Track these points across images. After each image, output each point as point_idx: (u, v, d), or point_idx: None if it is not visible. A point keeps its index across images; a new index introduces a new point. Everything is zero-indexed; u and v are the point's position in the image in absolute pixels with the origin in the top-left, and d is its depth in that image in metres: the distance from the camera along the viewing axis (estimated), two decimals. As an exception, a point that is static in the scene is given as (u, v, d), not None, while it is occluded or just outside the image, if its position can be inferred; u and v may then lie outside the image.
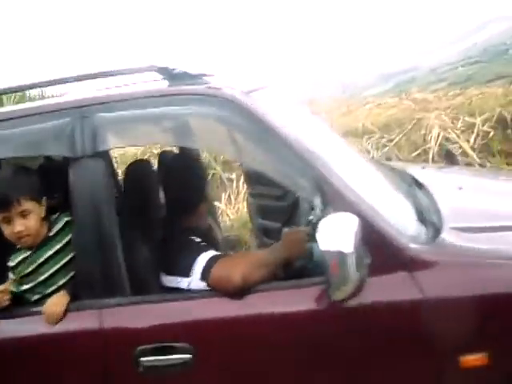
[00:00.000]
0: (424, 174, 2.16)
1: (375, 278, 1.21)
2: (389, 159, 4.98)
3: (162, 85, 1.49)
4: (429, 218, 1.43)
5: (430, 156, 4.73)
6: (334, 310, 1.22)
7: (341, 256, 1.07)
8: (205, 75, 1.52)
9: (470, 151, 4.71)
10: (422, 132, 5.09)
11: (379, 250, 1.22)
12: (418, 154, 4.88)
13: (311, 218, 1.24)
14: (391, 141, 5.17)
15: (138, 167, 1.66)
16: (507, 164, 4.46)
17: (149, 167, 1.69)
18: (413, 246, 1.25)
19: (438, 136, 4.92)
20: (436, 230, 1.36)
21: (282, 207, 1.90)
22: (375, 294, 1.22)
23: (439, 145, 4.84)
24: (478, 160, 4.60)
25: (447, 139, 4.94)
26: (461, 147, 4.80)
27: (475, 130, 4.84)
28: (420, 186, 1.77)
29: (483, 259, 1.26)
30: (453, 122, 5.16)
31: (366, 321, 1.23)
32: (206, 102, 1.33)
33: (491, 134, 4.77)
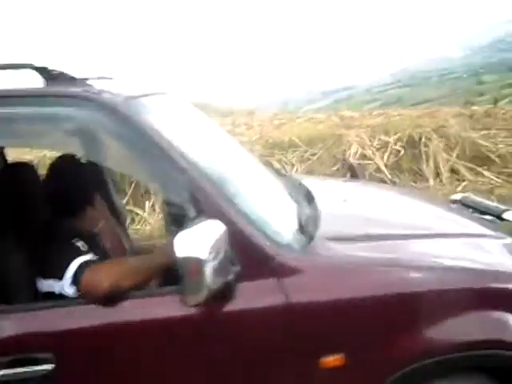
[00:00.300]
0: (319, 185, 2.31)
1: (244, 285, 1.24)
2: (311, 172, 5.23)
3: (38, 84, 1.40)
4: (306, 228, 1.50)
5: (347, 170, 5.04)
6: (203, 316, 1.24)
7: (196, 262, 1.09)
8: (88, 79, 1.49)
9: (383, 168, 5.07)
10: (343, 148, 5.40)
11: (248, 257, 1.25)
12: (337, 169, 5.17)
13: (184, 225, 1.24)
14: (314, 155, 5.43)
15: (15, 170, 1.63)
16: (413, 182, 4.87)
17: (27, 170, 1.66)
18: (281, 253, 1.28)
19: (356, 152, 5.25)
20: (310, 239, 1.43)
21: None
22: (243, 301, 1.25)
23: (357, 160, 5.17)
24: (389, 176, 4.97)
25: (364, 155, 5.29)
26: (375, 164, 5.16)
27: (388, 149, 5.23)
28: (309, 197, 1.87)
29: (345, 266, 1.36)
30: (370, 140, 5.53)
31: (234, 327, 1.26)
32: (81, 104, 1.30)
33: (401, 152, 5.18)
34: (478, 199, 2.20)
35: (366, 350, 1.28)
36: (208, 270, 1.10)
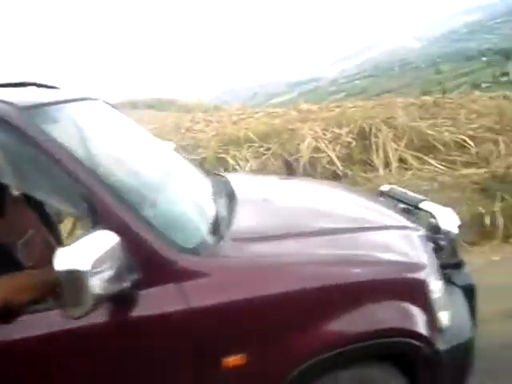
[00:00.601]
0: (249, 183, 2.36)
1: (146, 292, 1.25)
2: (265, 167, 5.31)
3: None
4: (216, 229, 1.54)
5: (301, 164, 5.13)
6: (103, 325, 1.24)
7: (77, 275, 1.08)
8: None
9: (335, 160, 5.19)
10: (296, 142, 5.49)
11: (149, 263, 1.26)
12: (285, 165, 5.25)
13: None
14: (268, 150, 5.50)
15: None
16: (364, 172, 5.01)
17: None
18: (184, 257, 1.31)
19: (310, 146, 5.35)
20: (219, 240, 1.46)
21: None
22: (143, 307, 1.26)
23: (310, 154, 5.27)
24: (341, 168, 5.09)
25: (318, 148, 5.39)
26: (328, 156, 5.27)
27: (340, 141, 5.35)
28: (231, 196, 1.90)
29: (248, 267, 1.40)
30: (324, 133, 5.64)
31: (133, 334, 1.27)
32: None
33: (353, 144, 5.31)
34: (400, 190, 2.31)
35: (267, 349, 1.32)
36: (94, 281, 1.10)
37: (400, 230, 1.82)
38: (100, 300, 1.14)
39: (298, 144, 5.46)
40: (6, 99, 1.34)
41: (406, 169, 5.07)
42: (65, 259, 1.09)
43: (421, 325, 1.47)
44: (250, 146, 5.68)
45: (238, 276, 1.37)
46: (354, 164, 5.26)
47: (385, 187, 2.45)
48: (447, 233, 1.92)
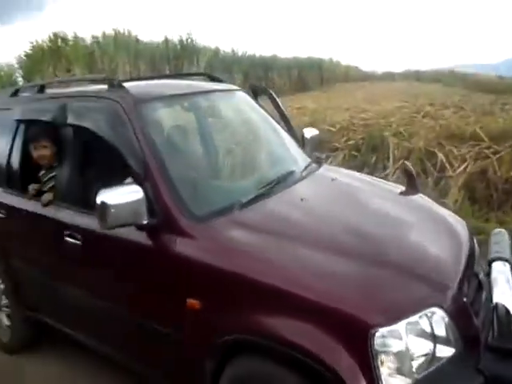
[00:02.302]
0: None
1: (155, 232, 1.74)
2: (485, 172, 4.49)
3: None
4: (226, 209, 1.78)
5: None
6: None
7: (104, 205, 1.63)
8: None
9: None
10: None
11: (162, 215, 1.72)
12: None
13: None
14: (496, 153, 4.58)
15: None
16: None
17: None
18: (184, 220, 1.70)
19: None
20: (218, 216, 1.74)
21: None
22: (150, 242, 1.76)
23: None
24: None
25: None
26: None
27: None
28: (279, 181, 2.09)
29: (222, 244, 1.67)
30: None
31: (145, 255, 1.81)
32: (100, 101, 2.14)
33: None
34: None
35: (214, 307, 1.58)
36: (111, 212, 1.64)
37: None
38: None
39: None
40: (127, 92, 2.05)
41: None
42: (105, 196, 1.65)
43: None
44: (475, 145, 4.88)
45: (213, 247, 1.66)
46: None
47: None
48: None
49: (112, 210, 1.64)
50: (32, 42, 11.84)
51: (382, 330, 1.31)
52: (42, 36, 12.59)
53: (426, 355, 1.36)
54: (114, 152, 1.94)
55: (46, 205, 2.30)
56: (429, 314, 1.39)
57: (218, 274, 1.59)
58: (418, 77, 18.57)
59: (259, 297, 1.49)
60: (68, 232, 2.10)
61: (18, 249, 2.57)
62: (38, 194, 2.41)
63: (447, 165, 4.71)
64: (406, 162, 4.71)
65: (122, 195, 1.67)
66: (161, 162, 1.83)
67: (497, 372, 1.39)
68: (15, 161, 2.56)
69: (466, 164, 4.65)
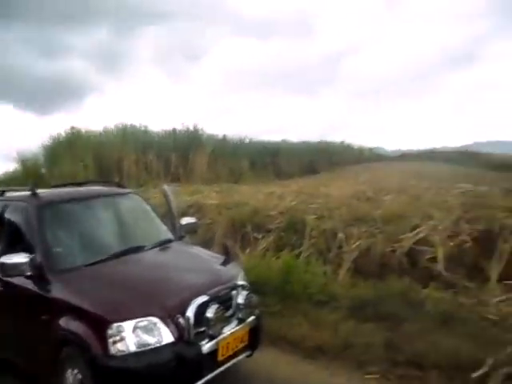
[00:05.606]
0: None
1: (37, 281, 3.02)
2: (368, 249, 4.98)
3: None
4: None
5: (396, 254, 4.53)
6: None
7: (2, 263, 2.95)
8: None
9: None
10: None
11: (37, 269, 2.98)
12: None
13: None
14: (380, 232, 5.09)
15: None
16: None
17: None
18: (52, 271, 3.01)
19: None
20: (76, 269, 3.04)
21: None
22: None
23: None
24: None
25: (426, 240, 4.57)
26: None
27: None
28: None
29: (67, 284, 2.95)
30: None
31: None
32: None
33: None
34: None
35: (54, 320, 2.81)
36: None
37: None
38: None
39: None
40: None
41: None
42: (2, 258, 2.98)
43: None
44: (371, 226, 5.44)
45: (63, 287, 2.93)
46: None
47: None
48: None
49: (7, 265, 2.92)
50: (53, 135, 14.08)
51: (115, 324, 2.57)
52: (65, 129, 14.81)
53: (139, 339, 2.60)
54: (23, 234, 3.26)
55: None
56: (149, 319, 2.62)
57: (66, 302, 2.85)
58: (433, 157, 18.84)
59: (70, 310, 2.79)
60: None
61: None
62: None
63: (345, 243, 5.30)
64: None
65: (16, 259, 2.94)
66: (45, 240, 3.12)
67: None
68: None
69: (358, 242, 5.22)
